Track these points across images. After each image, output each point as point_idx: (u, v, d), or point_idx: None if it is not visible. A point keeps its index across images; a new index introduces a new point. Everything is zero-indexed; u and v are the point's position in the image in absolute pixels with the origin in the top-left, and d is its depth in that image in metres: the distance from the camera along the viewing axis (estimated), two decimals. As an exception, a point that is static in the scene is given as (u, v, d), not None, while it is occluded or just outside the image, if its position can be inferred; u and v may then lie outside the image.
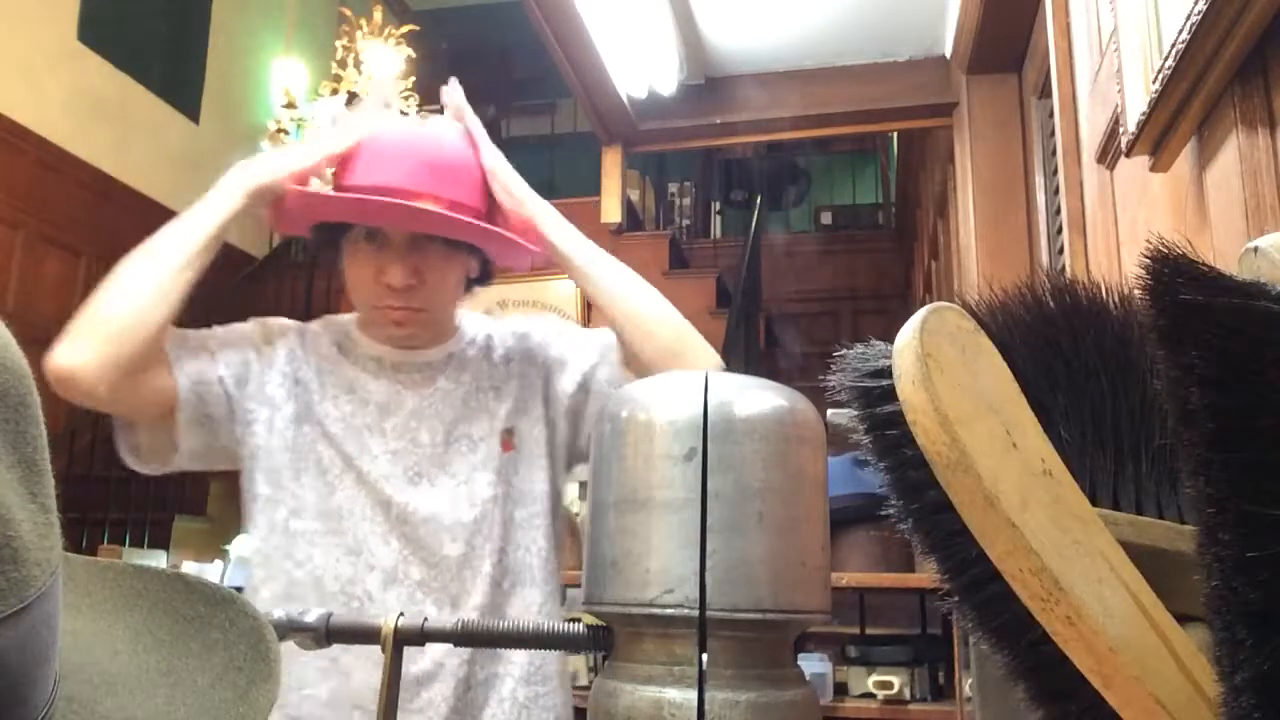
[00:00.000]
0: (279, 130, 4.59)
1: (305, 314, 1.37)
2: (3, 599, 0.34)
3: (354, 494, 1.20)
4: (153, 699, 0.43)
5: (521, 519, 1.26)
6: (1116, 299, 0.49)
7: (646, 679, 0.51)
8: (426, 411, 1.25)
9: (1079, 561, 0.40)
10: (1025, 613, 0.41)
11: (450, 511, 1.21)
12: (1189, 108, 1.07)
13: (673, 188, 8.01)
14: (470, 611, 1.19)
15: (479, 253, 1.27)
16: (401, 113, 4.62)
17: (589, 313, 5.38)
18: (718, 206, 8.42)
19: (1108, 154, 1.56)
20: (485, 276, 1.32)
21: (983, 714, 0.91)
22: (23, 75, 4.64)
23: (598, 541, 0.54)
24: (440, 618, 1.07)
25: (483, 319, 1.38)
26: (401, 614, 0.60)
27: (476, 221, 1.19)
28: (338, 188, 1.21)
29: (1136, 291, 0.43)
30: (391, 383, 1.26)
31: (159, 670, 0.45)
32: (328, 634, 0.61)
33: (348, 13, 5.15)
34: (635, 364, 1.26)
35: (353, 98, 4.73)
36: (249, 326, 1.28)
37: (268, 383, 1.23)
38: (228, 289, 5.49)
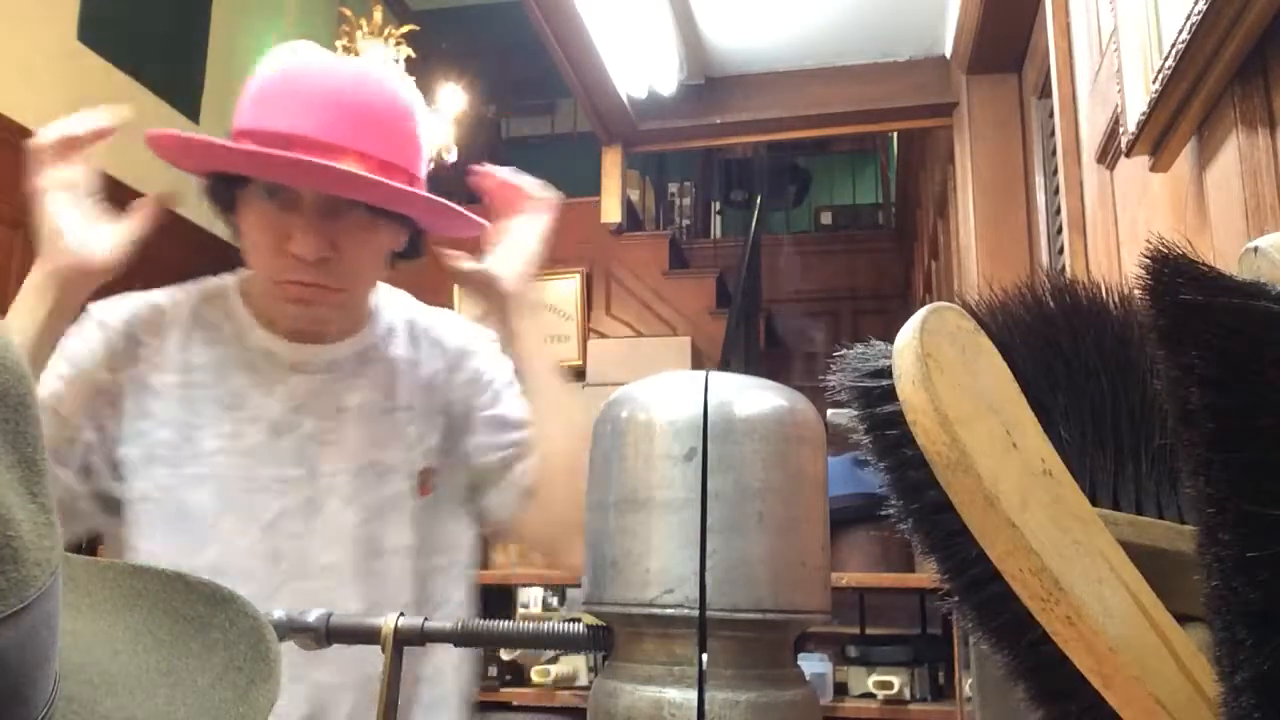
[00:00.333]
0: (279, 130, 4.58)
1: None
2: (3, 599, 0.34)
3: (229, 547, 0.98)
4: (153, 699, 0.43)
5: (438, 568, 1.09)
6: (1116, 299, 0.49)
7: (646, 679, 0.51)
8: (328, 435, 1.03)
9: (1079, 561, 0.40)
10: (1025, 613, 0.41)
11: (350, 562, 1.01)
12: (1189, 108, 1.07)
13: (673, 188, 8.01)
14: (375, 679, 1.03)
15: (409, 223, 1.05)
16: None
17: (590, 313, 5.38)
18: (718, 206, 8.42)
19: (1108, 154, 1.56)
20: (415, 250, 1.10)
21: (983, 714, 0.91)
22: (23, 75, 4.64)
23: (598, 541, 0.54)
24: (344, 681, 0.98)
25: (401, 298, 1.16)
26: (401, 614, 0.60)
27: (414, 190, 0.98)
28: (236, 132, 0.97)
29: (1136, 291, 0.43)
30: (286, 395, 1.03)
31: (159, 670, 0.45)
32: (328, 634, 0.61)
33: (348, 13, 5.15)
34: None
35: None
36: (86, 357, 1.00)
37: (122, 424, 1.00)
38: (228, 289, 5.48)
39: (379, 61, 1.00)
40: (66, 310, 0.98)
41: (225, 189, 1.00)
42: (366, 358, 1.09)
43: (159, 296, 1.09)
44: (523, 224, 1.10)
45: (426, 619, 0.60)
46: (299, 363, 1.05)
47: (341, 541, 1.02)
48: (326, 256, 0.97)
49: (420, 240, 1.10)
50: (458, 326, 1.18)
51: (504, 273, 1.07)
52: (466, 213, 1.04)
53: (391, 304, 1.14)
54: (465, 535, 1.14)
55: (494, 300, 1.08)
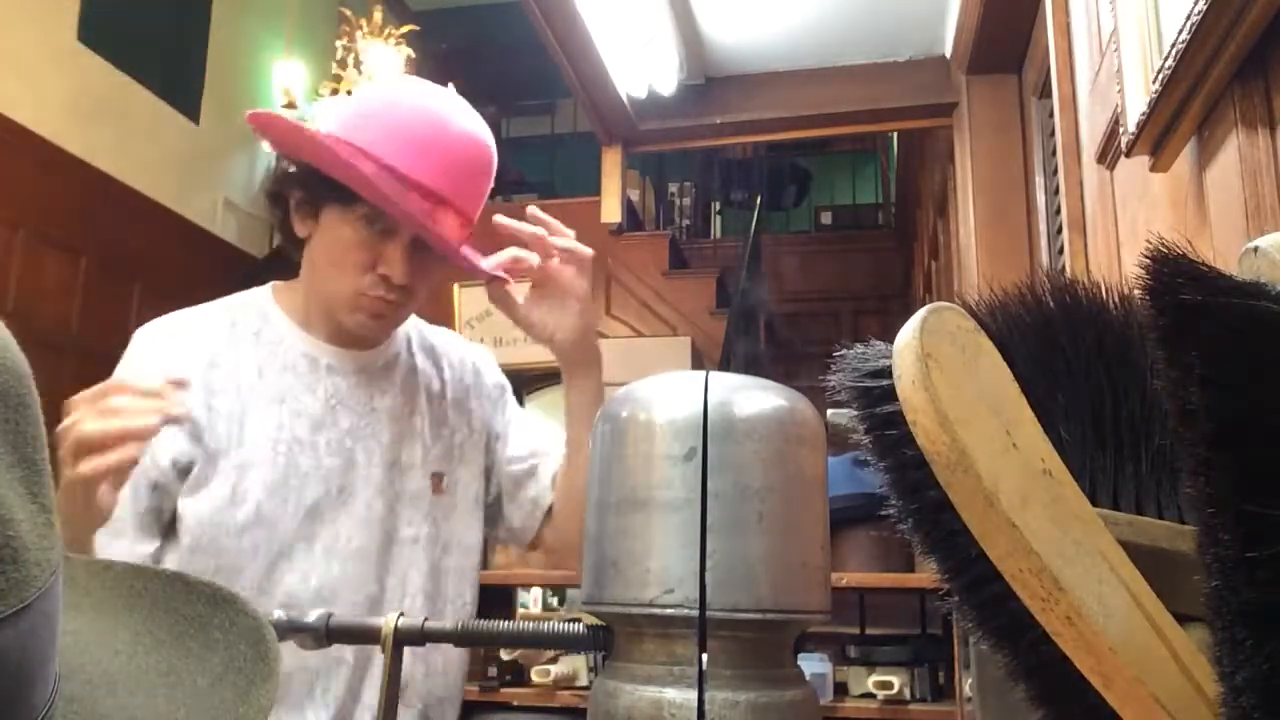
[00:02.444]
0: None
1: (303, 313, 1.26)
2: (3, 599, 0.34)
3: (272, 531, 1.06)
4: (153, 699, 0.43)
5: (452, 568, 1.17)
6: (1116, 299, 0.49)
7: (646, 679, 0.51)
8: (361, 431, 1.13)
9: (1079, 561, 0.40)
10: (1025, 613, 0.41)
11: (375, 547, 1.11)
12: (1189, 108, 1.07)
13: (673, 188, 8.01)
14: (377, 668, 1.07)
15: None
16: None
17: (589, 313, 5.38)
18: (718, 206, 8.42)
19: (1108, 154, 1.56)
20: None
21: (983, 714, 0.91)
22: (23, 75, 4.64)
23: (598, 541, 0.54)
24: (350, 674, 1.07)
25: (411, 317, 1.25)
26: (401, 614, 0.60)
27: (498, 274, 1.10)
28: (351, 147, 1.03)
29: (1136, 291, 0.43)
30: (326, 393, 1.12)
31: (159, 670, 0.45)
32: (328, 634, 0.61)
33: (348, 13, 5.15)
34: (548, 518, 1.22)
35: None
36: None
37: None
38: (227, 289, 5.49)
39: (475, 115, 1.08)
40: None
41: (315, 195, 1.08)
42: (392, 365, 1.19)
43: (197, 310, 1.17)
44: (561, 273, 1.14)
45: (427, 619, 0.60)
46: (336, 366, 1.14)
47: (370, 527, 1.11)
48: (408, 284, 1.08)
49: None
50: (461, 344, 1.30)
51: (557, 330, 1.15)
52: (504, 275, 1.12)
53: (418, 333, 1.26)
54: (477, 540, 1.22)
55: (554, 352, 1.17)
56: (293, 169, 1.10)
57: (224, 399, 1.09)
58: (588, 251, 1.16)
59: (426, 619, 0.60)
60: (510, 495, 1.25)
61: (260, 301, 1.17)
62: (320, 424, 1.11)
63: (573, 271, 1.14)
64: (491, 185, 1.12)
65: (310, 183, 1.07)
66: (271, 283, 1.20)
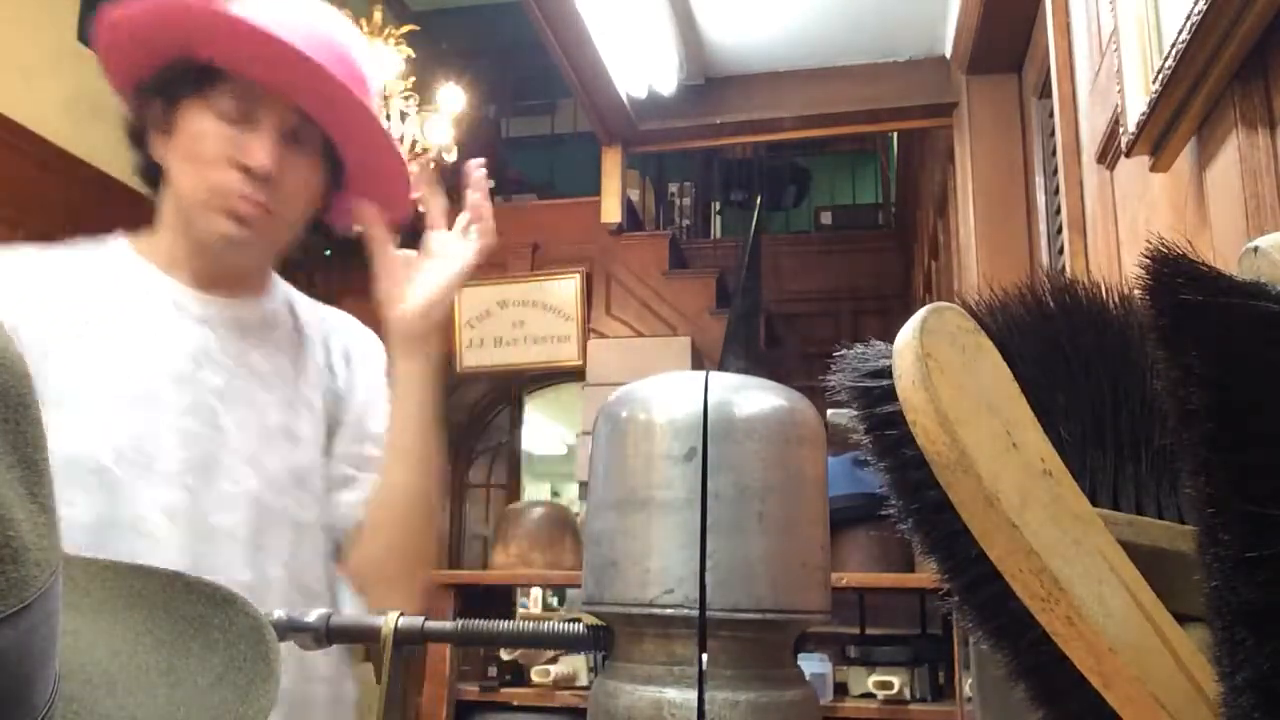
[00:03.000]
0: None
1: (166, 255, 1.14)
2: (3, 599, 0.34)
3: (130, 497, 0.91)
4: (153, 699, 0.43)
5: (322, 547, 1.05)
6: (1116, 299, 0.49)
7: (646, 679, 0.51)
8: (233, 392, 0.98)
9: (1079, 561, 0.40)
10: (1025, 613, 0.41)
11: (246, 529, 0.96)
12: (1189, 108, 1.07)
13: (673, 188, 8.01)
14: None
15: (337, 180, 1.04)
16: (402, 114, 4.62)
17: (590, 313, 5.38)
18: (718, 206, 8.42)
19: (1108, 154, 1.56)
20: (319, 227, 1.08)
21: (983, 714, 0.91)
22: (22, 75, 4.64)
23: (598, 541, 0.54)
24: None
25: (284, 284, 1.12)
26: (401, 613, 0.60)
27: (379, 120, 0.99)
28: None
29: (1136, 291, 0.43)
30: (191, 346, 0.98)
31: (159, 670, 0.45)
32: (328, 634, 0.61)
33: (348, 13, 5.15)
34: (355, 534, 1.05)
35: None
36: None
37: None
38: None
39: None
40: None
41: (178, 92, 0.96)
42: (270, 322, 1.06)
43: (48, 251, 1.02)
44: (451, 248, 1.06)
45: (427, 619, 0.60)
46: (204, 316, 1.00)
47: (238, 504, 0.96)
48: (277, 175, 0.95)
49: (325, 217, 1.07)
50: (349, 324, 1.16)
51: (408, 304, 1.03)
52: (408, 175, 1.02)
53: (282, 284, 1.11)
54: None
55: (396, 322, 1.04)
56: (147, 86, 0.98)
57: (66, 345, 0.94)
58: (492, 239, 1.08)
59: (426, 619, 0.60)
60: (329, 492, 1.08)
61: (121, 247, 1.03)
62: (181, 379, 0.96)
63: (478, 251, 1.06)
64: (372, 87, 1.02)
65: (167, 84, 0.96)
66: (135, 231, 1.05)
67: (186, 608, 0.50)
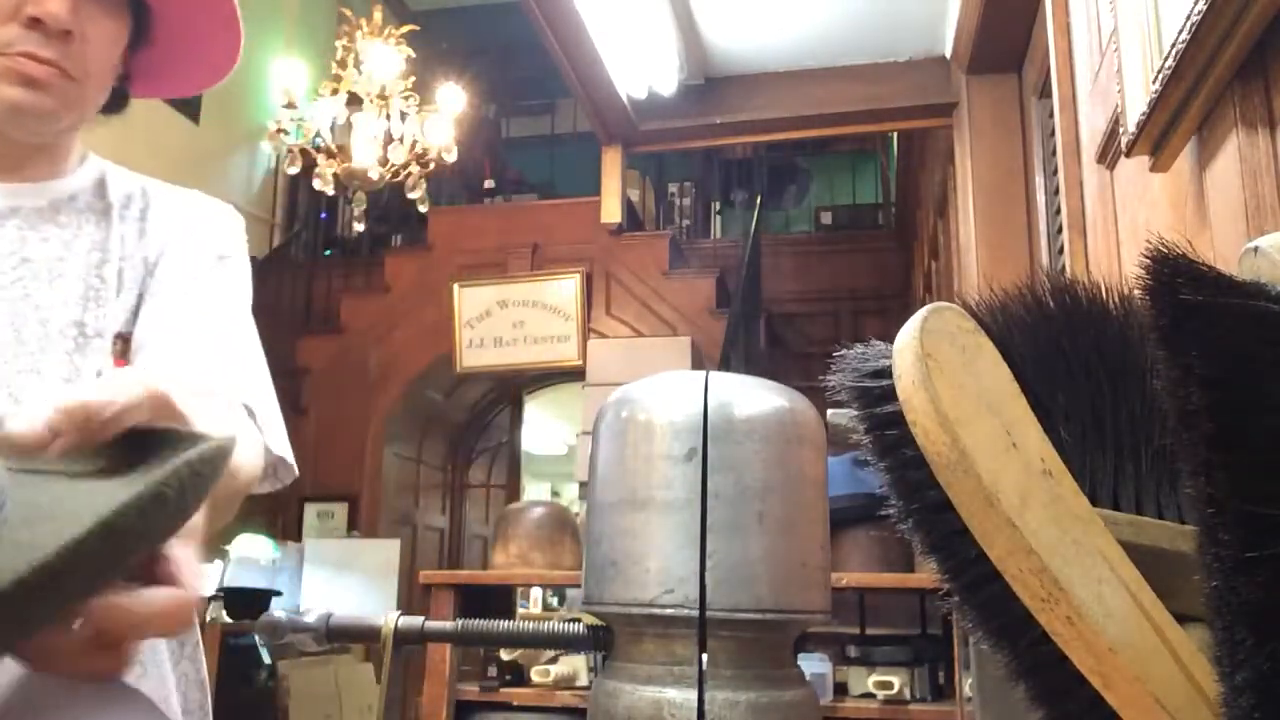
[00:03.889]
0: (279, 130, 4.59)
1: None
2: None
3: None
4: (48, 492, 0.40)
5: None
6: (1116, 299, 0.49)
7: (646, 679, 0.51)
8: (7, 287, 0.82)
9: (1079, 561, 0.40)
10: (1025, 613, 0.41)
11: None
12: (1189, 108, 1.07)
13: (673, 188, 8.02)
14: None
15: (134, 53, 0.89)
16: (402, 114, 4.62)
17: (590, 313, 5.38)
18: (718, 206, 8.42)
19: (1108, 154, 1.56)
20: (119, 98, 0.93)
21: (983, 714, 0.91)
22: (23, 75, 4.64)
23: (598, 541, 0.54)
24: None
25: (139, 176, 0.97)
26: (401, 613, 0.60)
27: None
28: None
29: (1136, 291, 0.43)
30: None
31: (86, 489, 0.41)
32: (328, 633, 0.61)
33: (348, 13, 5.15)
34: None
35: (353, 98, 4.72)
36: None
37: None
38: (228, 289, 5.47)
39: None
40: None
41: None
42: (61, 205, 0.90)
43: None
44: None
45: (427, 619, 0.60)
46: None
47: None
48: (71, 30, 0.80)
49: (126, 86, 0.93)
50: (193, 200, 0.98)
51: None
52: (236, 21, 0.88)
53: (96, 161, 0.96)
54: None
55: None
56: None
57: None
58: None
59: (426, 619, 0.60)
60: None
61: None
62: None
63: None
64: None
65: None
66: None
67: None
